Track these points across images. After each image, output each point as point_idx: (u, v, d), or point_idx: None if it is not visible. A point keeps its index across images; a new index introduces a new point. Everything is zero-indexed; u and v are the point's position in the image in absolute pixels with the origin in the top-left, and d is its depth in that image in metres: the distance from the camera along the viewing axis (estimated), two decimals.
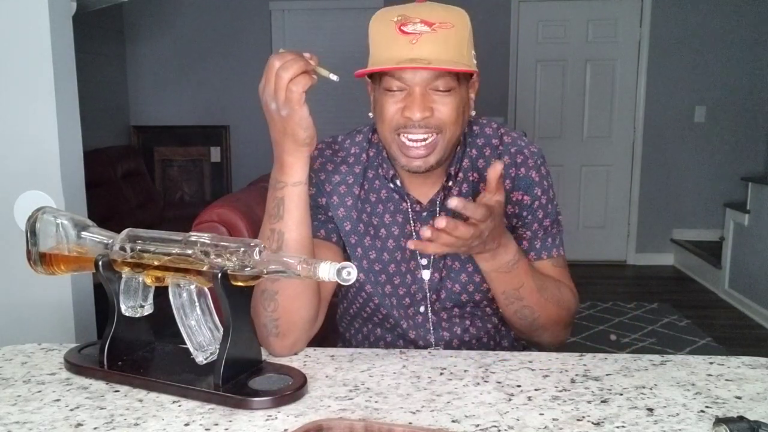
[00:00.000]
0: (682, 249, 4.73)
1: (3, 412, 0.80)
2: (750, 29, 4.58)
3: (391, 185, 1.12)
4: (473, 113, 1.09)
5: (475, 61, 1.04)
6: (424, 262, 1.12)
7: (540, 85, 4.83)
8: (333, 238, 1.12)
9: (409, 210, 1.12)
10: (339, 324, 1.28)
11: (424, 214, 1.12)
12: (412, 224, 1.12)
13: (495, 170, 0.93)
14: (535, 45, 4.77)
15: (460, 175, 1.12)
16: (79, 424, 0.77)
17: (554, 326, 1.08)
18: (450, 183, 1.11)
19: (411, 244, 0.92)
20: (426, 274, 1.12)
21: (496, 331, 1.18)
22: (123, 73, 4.89)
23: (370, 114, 1.08)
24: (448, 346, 1.14)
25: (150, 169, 4.77)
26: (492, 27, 4.67)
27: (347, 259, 1.14)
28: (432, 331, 1.14)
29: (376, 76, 1.02)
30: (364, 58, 1.03)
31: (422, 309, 1.14)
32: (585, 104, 4.83)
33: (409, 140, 1.00)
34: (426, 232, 0.88)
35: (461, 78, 1.01)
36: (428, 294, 1.13)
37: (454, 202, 0.87)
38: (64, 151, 1.59)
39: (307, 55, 0.90)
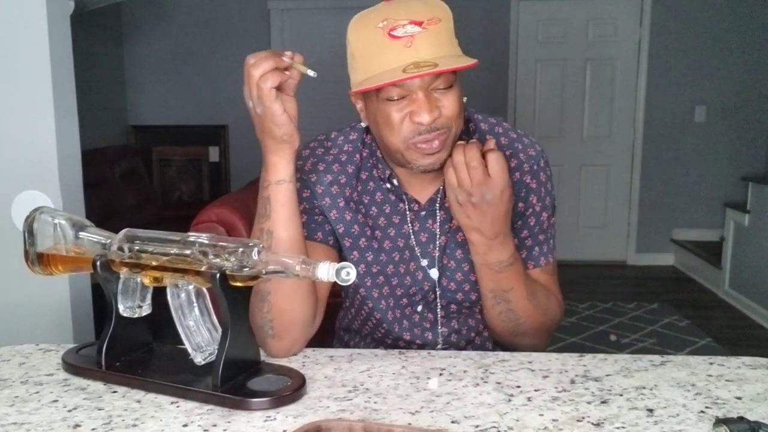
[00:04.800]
0: (682, 249, 4.73)
1: (1, 413, 0.80)
2: (750, 29, 4.58)
3: (388, 185, 1.10)
4: (465, 99, 1.06)
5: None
6: (425, 262, 1.11)
7: (540, 84, 4.82)
8: (330, 241, 1.11)
9: (407, 210, 1.11)
10: (339, 330, 1.28)
11: (423, 213, 1.11)
12: (410, 224, 1.11)
13: (487, 145, 0.98)
14: (535, 44, 4.77)
15: None
16: (77, 425, 0.76)
17: (536, 334, 1.08)
18: None
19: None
20: (434, 273, 1.11)
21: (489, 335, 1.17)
22: (121, 72, 4.89)
23: (363, 124, 1.07)
24: (446, 344, 1.14)
25: (148, 169, 4.76)
26: (492, 26, 4.67)
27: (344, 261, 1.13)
28: (429, 329, 1.14)
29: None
30: None
31: (419, 308, 1.13)
32: (585, 104, 4.83)
33: (422, 143, 0.98)
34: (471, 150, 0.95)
35: (458, 71, 0.99)
36: (430, 293, 1.12)
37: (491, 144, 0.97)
38: (61, 150, 1.59)
39: (288, 53, 0.89)
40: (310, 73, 0.90)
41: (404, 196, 1.10)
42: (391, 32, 0.92)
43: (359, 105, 1.05)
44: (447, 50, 0.95)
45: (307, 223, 1.08)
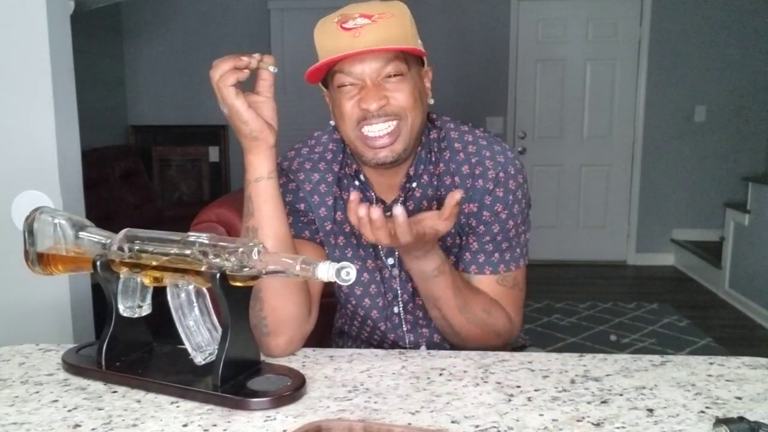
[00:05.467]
0: (682, 249, 4.73)
1: (1, 413, 0.80)
2: (750, 29, 4.58)
3: (357, 182, 1.10)
4: (431, 101, 1.08)
5: (423, 50, 1.02)
6: (390, 261, 1.12)
7: (540, 84, 4.82)
8: (318, 239, 1.12)
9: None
10: (334, 336, 1.29)
11: (388, 213, 1.08)
12: None
13: (453, 198, 0.90)
14: (535, 44, 4.77)
15: (425, 177, 1.09)
16: (77, 425, 0.76)
17: (477, 345, 1.05)
18: (414, 184, 1.08)
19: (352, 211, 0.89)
20: (396, 272, 1.11)
21: None
22: (121, 72, 4.89)
23: (331, 122, 1.08)
24: (430, 346, 1.14)
25: (148, 169, 4.76)
26: (492, 27, 4.66)
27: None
28: (411, 331, 1.14)
29: (329, 80, 1.02)
30: None
31: (396, 310, 1.13)
32: (585, 104, 4.82)
33: (371, 133, 0.99)
34: (374, 213, 0.87)
35: (411, 63, 1.01)
36: (399, 293, 1.13)
37: (398, 210, 0.87)
38: (62, 150, 1.59)
39: (256, 55, 0.92)
40: (271, 68, 0.94)
41: (370, 194, 1.10)
42: (343, 25, 0.97)
43: (330, 105, 1.07)
44: (396, 41, 0.97)
45: (294, 222, 1.09)
